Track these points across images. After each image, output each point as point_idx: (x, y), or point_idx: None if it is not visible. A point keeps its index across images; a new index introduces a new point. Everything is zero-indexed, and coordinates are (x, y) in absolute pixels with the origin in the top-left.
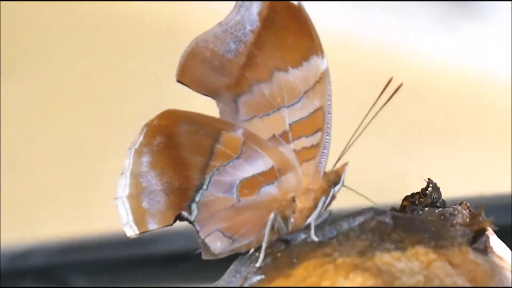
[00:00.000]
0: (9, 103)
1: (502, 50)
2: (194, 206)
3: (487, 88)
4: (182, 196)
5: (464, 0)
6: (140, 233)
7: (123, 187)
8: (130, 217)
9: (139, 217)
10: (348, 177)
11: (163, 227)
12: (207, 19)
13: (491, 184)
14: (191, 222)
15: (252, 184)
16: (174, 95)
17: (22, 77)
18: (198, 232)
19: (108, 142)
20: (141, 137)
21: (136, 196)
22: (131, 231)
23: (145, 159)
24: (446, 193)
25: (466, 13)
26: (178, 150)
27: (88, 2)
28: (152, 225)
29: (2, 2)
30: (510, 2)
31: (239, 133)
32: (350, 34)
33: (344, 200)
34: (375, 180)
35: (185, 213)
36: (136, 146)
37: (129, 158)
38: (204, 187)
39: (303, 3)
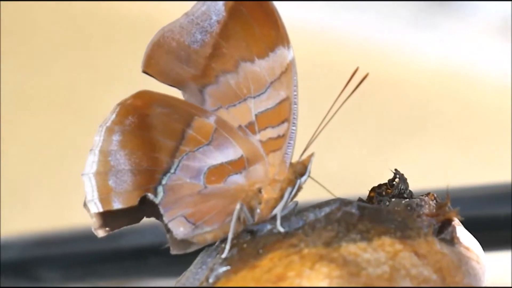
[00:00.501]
0: None
1: (480, 47)
2: (160, 189)
3: (462, 84)
4: (149, 177)
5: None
6: (106, 227)
7: (91, 164)
8: (96, 194)
9: (104, 195)
10: (315, 170)
11: (127, 207)
12: (179, 12)
13: (459, 177)
14: (155, 206)
15: (220, 172)
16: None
17: (6, 75)
18: (162, 216)
19: (82, 137)
20: (114, 115)
21: (103, 173)
22: (95, 208)
23: (116, 137)
24: (414, 185)
25: (445, 11)
26: (150, 131)
27: (78, 2)
28: (117, 204)
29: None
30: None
31: (211, 120)
32: (328, 32)
33: (310, 192)
34: (343, 173)
35: (150, 195)
36: (107, 124)
37: (100, 135)
38: (172, 170)
39: None
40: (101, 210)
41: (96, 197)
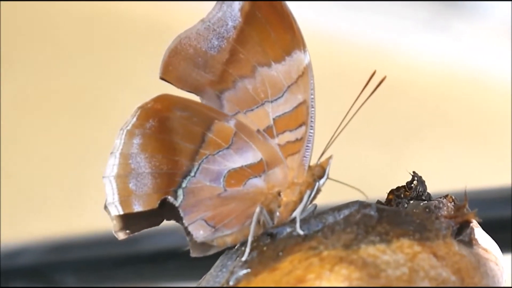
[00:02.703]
0: (3, 104)
1: (493, 49)
2: (180, 192)
3: (475, 86)
4: (169, 180)
5: (455, 0)
6: (127, 230)
7: (112, 166)
8: (116, 197)
9: (124, 198)
10: (333, 172)
11: (148, 210)
12: (196, 18)
13: (476, 179)
14: (176, 209)
15: (239, 175)
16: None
17: (17, 79)
18: (182, 219)
19: (98, 143)
20: (134, 119)
21: (123, 176)
22: (116, 211)
23: (136, 140)
24: (432, 187)
25: (457, 13)
26: (170, 135)
27: (82, 2)
28: (137, 207)
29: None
30: (499, 1)
31: (231, 123)
32: (341, 34)
33: (329, 195)
34: (361, 175)
35: (170, 198)
36: (128, 127)
37: (120, 138)
38: (192, 174)
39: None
40: (121, 212)
41: (116, 200)
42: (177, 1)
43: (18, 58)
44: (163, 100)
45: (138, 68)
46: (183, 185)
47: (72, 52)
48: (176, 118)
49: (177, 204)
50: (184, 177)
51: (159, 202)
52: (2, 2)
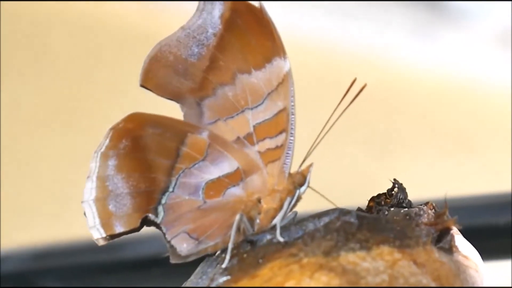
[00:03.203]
0: None
1: (481, 57)
2: (160, 208)
3: (461, 94)
4: (148, 198)
5: None
6: (107, 236)
7: (90, 190)
8: (97, 220)
9: (105, 220)
10: (314, 179)
11: (130, 230)
12: (175, 25)
13: (458, 186)
14: (157, 225)
15: (217, 185)
16: (159, 103)
17: (7, 88)
18: (164, 234)
19: (82, 150)
20: (107, 141)
21: (102, 199)
22: (98, 234)
23: (111, 162)
24: (413, 195)
25: (444, 20)
26: (144, 153)
27: (76, 11)
28: (119, 228)
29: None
30: (487, 9)
31: (204, 135)
32: (326, 41)
33: (310, 201)
34: (342, 183)
35: (151, 216)
36: (102, 150)
37: (95, 161)
38: (170, 189)
39: (264, 4)
40: (104, 235)
41: (98, 223)
42: (170, 11)
43: (12, 68)
44: (134, 119)
45: (134, 78)
46: (163, 201)
47: (65, 62)
48: (148, 136)
49: (158, 221)
50: (163, 193)
51: (140, 221)
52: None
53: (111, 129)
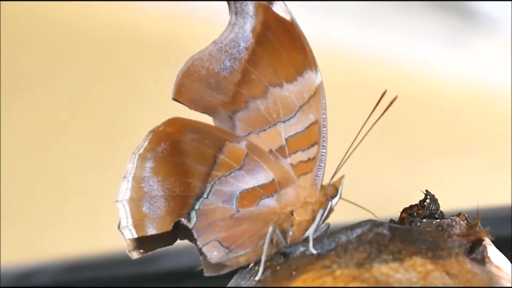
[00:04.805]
0: (14, 120)
1: (509, 64)
2: (193, 214)
3: (493, 102)
4: (182, 203)
5: (470, 15)
6: (142, 250)
7: (125, 190)
8: (130, 221)
9: (138, 221)
10: (346, 190)
11: (161, 233)
12: (208, 35)
13: (490, 197)
14: (189, 232)
15: (252, 195)
16: (178, 113)
17: (26, 91)
18: (195, 240)
19: (112, 162)
20: (146, 143)
21: (137, 200)
22: (130, 234)
23: (149, 164)
24: (445, 205)
25: (473, 28)
26: (182, 157)
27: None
28: (151, 230)
29: (2, 2)
30: None
31: (242, 144)
32: (355, 51)
33: (342, 214)
34: (374, 194)
35: (184, 220)
36: (140, 151)
37: (133, 162)
38: (205, 195)
39: (296, 18)
40: (135, 236)
41: (130, 224)
42: (195, 21)
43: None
44: (174, 123)
45: (155, 89)
46: (196, 207)
47: (87, 73)
48: (187, 141)
49: (190, 226)
50: (197, 199)
51: (172, 224)
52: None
53: (151, 131)
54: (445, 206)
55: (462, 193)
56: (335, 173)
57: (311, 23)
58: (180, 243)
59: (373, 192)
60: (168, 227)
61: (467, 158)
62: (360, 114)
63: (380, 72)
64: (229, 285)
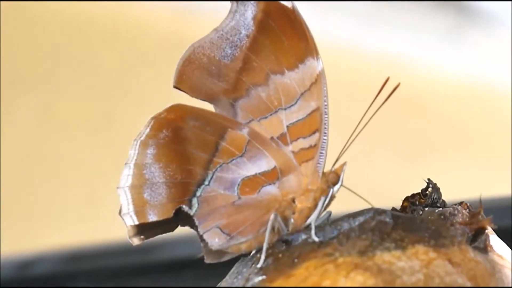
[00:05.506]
0: (15, 115)
1: (509, 60)
2: (195, 200)
3: (492, 98)
4: (183, 190)
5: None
6: (142, 236)
7: (126, 177)
8: (131, 207)
9: (139, 208)
10: (347, 179)
11: (162, 220)
12: (206, 29)
13: (492, 189)
14: (190, 218)
15: (253, 183)
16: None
17: (28, 87)
18: (197, 227)
19: (112, 153)
20: (148, 129)
21: (138, 187)
22: (131, 221)
23: (150, 151)
24: (446, 195)
25: (473, 25)
26: (184, 144)
27: (92, 12)
28: (152, 217)
29: (2, 2)
30: None
31: (244, 132)
32: (355, 45)
33: (343, 202)
34: (375, 183)
35: (185, 207)
36: (142, 138)
37: (134, 149)
38: (206, 182)
39: (296, 4)
40: (136, 222)
41: (131, 210)
42: (195, 14)
43: (35, 69)
44: (176, 110)
45: (152, 79)
46: (198, 194)
47: (85, 63)
48: (189, 128)
49: (192, 213)
50: (199, 186)
51: (174, 211)
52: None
53: (153, 118)
54: (446, 195)
55: (462, 185)
56: (336, 161)
57: (312, 20)
58: (180, 232)
59: (374, 180)
60: (170, 214)
61: (467, 152)
62: (361, 103)
63: (380, 67)
64: (230, 272)
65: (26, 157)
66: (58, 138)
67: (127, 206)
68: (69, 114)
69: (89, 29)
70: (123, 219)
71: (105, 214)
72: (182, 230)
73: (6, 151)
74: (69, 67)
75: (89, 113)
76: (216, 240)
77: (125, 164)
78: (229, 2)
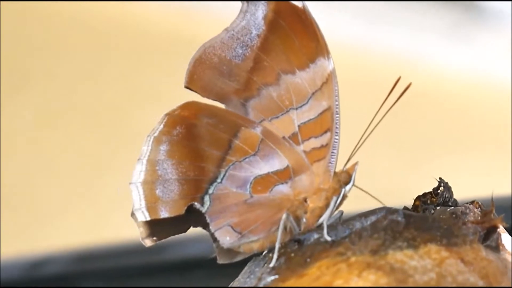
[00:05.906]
0: (18, 113)
1: None
2: (207, 198)
3: (499, 95)
4: (196, 187)
5: (476, 10)
6: (155, 238)
7: (139, 173)
8: (143, 203)
9: (151, 204)
10: (359, 179)
11: (174, 217)
12: (216, 29)
13: (503, 187)
14: (202, 216)
15: (266, 181)
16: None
17: (29, 86)
18: (208, 225)
19: (120, 152)
20: (161, 126)
21: (150, 183)
22: (143, 217)
23: (163, 147)
24: (458, 194)
25: (478, 23)
26: (197, 141)
27: (94, 10)
28: (164, 213)
29: (2, 2)
30: None
31: (257, 130)
32: (363, 44)
33: (355, 202)
34: (387, 182)
35: (197, 204)
36: (155, 134)
37: (148, 145)
38: (219, 180)
39: (307, 4)
40: (148, 218)
41: (143, 206)
42: (202, 14)
43: (38, 67)
44: (190, 107)
45: (161, 78)
46: (210, 191)
47: (92, 63)
48: (203, 125)
49: (203, 210)
50: (211, 183)
51: (185, 208)
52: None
53: (166, 114)
54: (458, 194)
55: (475, 182)
56: (348, 160)
57: (321, 19)
58: (191, 232)
59: (386, 179)
60: (181, 210)
61: (479, 149)
62: (373, 102)
63: (390, 66)
64: (243, 272)
65: (28, 157)
66: (58, 138)
67: (139, 201)
68: (69, 114)
69: (89, 29)
70: (134, 216)
71: (117, 213)
72: (193, 230)
73: (6, 151)
74: (69, 67)
75: (89, 113)
76: (227, 238)
77: (138, 159)
78: (239, 2)
